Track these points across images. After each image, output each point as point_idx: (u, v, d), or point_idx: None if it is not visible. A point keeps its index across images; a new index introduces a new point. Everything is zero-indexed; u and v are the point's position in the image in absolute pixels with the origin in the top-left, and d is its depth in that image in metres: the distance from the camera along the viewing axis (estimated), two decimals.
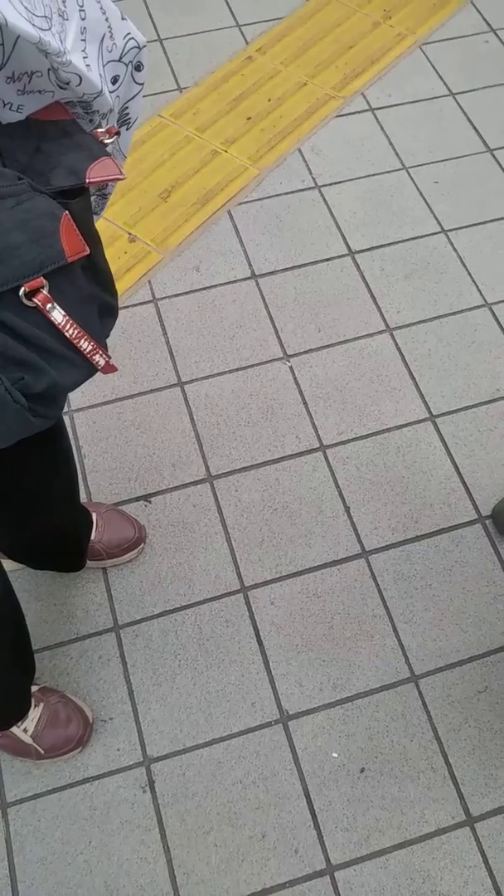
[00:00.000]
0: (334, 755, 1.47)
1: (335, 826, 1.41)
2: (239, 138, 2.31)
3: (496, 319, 2.01)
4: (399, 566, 1.67)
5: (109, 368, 0.84)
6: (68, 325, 0.76)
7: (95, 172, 0.75)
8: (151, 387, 1.88)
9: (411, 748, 1.48)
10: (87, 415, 1.83)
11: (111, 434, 1.80)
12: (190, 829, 1.41)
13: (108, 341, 0.90)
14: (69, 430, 1.80)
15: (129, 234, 2.10)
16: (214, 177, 2.23)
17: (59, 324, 0.75)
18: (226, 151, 2.28)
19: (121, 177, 0.78)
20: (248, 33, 2.59)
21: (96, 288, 0.87)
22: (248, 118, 2.36)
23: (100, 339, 0.84)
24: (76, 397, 1.85)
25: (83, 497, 1.72)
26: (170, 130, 2.32)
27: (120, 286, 2.01)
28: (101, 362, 0.82)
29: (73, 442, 1.78)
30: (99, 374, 0.83)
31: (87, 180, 0.75)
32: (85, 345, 0.78)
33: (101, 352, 0.81)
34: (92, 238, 0.85)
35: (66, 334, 0.76)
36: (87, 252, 0.75)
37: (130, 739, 1.48)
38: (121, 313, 2.02)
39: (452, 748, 1.49)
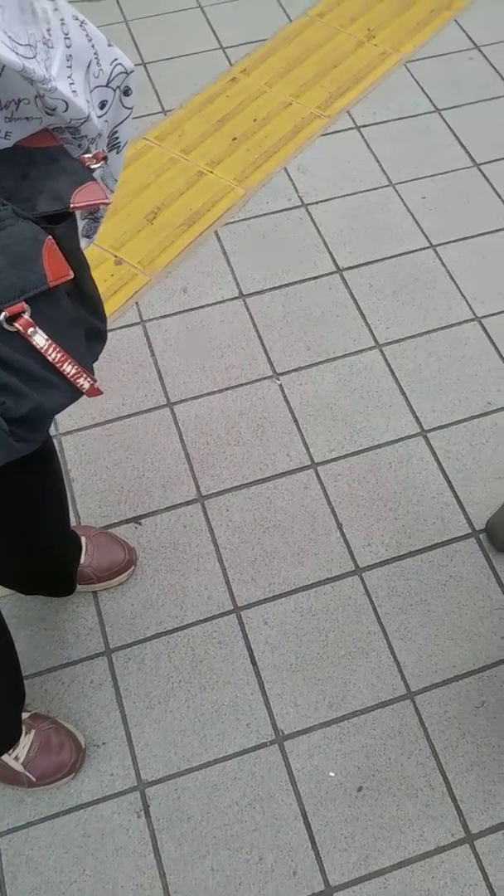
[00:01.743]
0: (331, 774, 1.46)
1: (333, 846, 1.40)
2: (224, 159, 2.33)
3: (486, 333, 2.02)
4: (393, 582, 1.66)
5: (94, 392, 0.84)
6: (51, 349, 0.76)
7: (80, 197, 0.76)
8: (140, 408, 1.88)
9: (409, 765, 1.47)
10: (76, 437, 1.83)
11: (100, 456, 1.80)
12: (186, 854, 1.39)
13: (96, 363, 0.91)
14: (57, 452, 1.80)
15: (116, 256, 2.11)
16: (200, 198, 2.24)
17: (42, 348, 0.75)
18: (211, 172, 2.30)
19: (106, 201, 0.78)
20: (231, 55, 2.61)
21: (83, 312, 0.88)
22: (234, 139, 2.38)
23: (86, 362, 0.84)
24: (64, 420, 1.84)
25: (72, 521, 1.71)
26: (155, 153, 2.34)
27: (107, 308, 2.01)
28: (86, 386, 0.82)
29: (61, 465, 1.77)
30: (87, 396, 0.84)
31: (72, 205, 0.75)
32: (69, 368, 0.79)
33: (85, 375, 0.81)
34: (78, 262, 0.86)
35: (49, 358, 0.76)
36: (71, 276, 0.75)
37: (124, 764, 1.47)
38: (109, 335, 2.03)
39: (450, 765, 1.47)
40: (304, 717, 1.51)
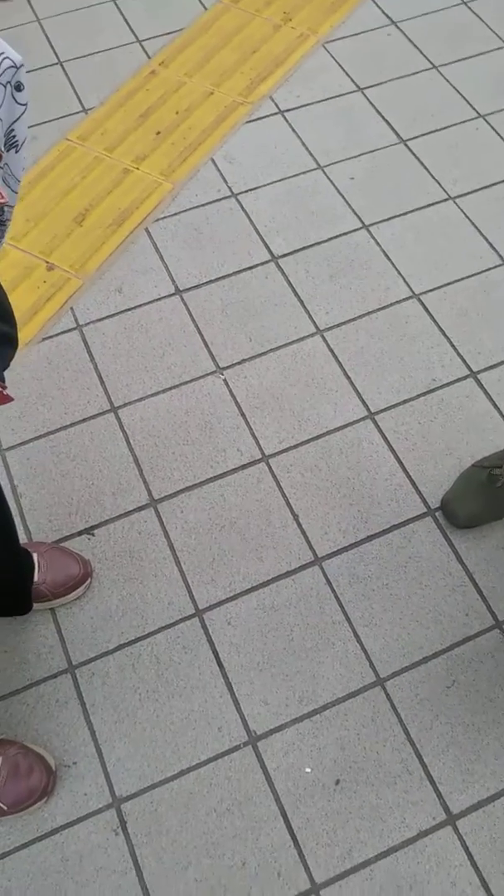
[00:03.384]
0: (307, 770, 1.44)
1: (316, 843, 1.38)
2: (150, 154, 2.28)
3: (426, 309, 2.01)
4: (353, 569, 1.64)
5: (4, 399, 0.81)
6: None
7: None
8: (84, 415, 1.83)
9: (385, 753, 1.46)
10: (19, 452, 1.77)
11: (46, 469, 1.75)
12: (167, 867, 1.36)
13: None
14: (1, 468, 1.75)
15: (47, 262, 2.05)
16: (128, 196, 2.19)
17: None
18: (137, 169, 2.25)
19: (4, 201, 0.75)
20: (149, 48, 2.56)
21: None
22: (158, 133, 2.33)
23: None
24: (6, 435, 1.79)
25: (22, 538, 1.66)
26: (78, 153, 2.28)
27: (41, 316, 1.96)
28: None
29: (6, 482, 1.73)
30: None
31: None
32: None
33: None
34: None
35: None
36: None
37: (97, 782, 1.43)
38: (45, 343, 1.98)
39: (426, 748, 1.46)
40: (276, 715, 1.49)
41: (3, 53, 0.77)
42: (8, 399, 0.82)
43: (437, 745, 1.46)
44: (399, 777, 1.43)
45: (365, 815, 1.40)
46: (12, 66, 0.79)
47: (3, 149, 0.85)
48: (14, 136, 0.85)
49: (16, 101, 0.82)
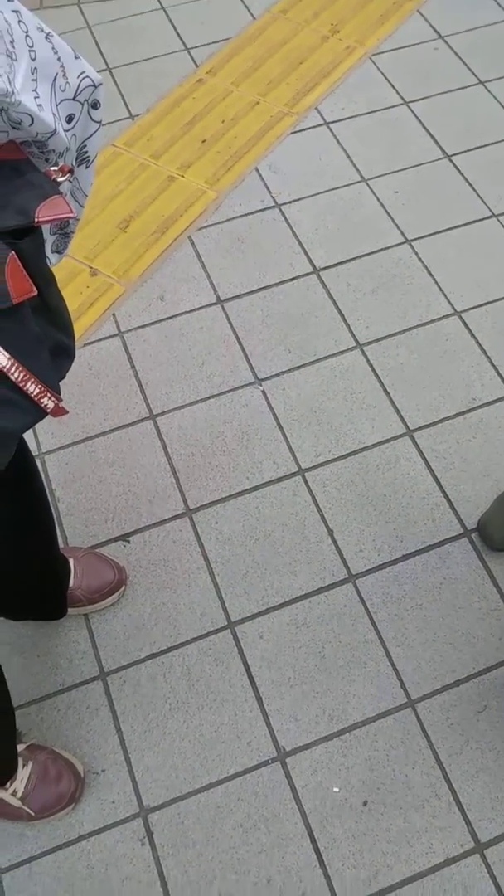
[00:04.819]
0: (335, 790, 1.43)
1: (342, 864, 1.37)
2: (195, 162, 2.29)
3: (466, 327, 2.00)
4: (387, 588, 1.63)
5: (59, 411, 0.83)
6: (13, 368, 0.75)
7: (44, 212, 0.74)
8: (123, 422, 1.84)
9: (413, 776, 1.45)
10: (58, 456, 1.79)
11: (84, 474, 1.76)
12: (192, 881, 1.36)
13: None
14: (40, 472, 1.76)
15: (91, 267, 2.07)
16: (173, 203, 2.20)
17: (4, 367, 0.74)
18: (182, 176, 2.26)
19: (71, 215, 0.77)
20: (196, 56, 2.57)
21: (50, 328, 0.86)
22: (203, 141, 2.34)
23: (51, 380, 0.83)
24: (46, 439, 1.80)
25: (60, 542, 1.67)
26: (124, 159, 2.30)
27: (84, 321, 1.97)
28: (50, 405, 0.81)
29: (45, 485, 1.74)
30: (52, 416, 0.83)
31: (36, 219, 0.74)
32: (32, 388, 0.78)
33: (49, 394, 0.80)
34: (44, 278, 0.84)
35: (11, 378, 0.75)
36: (34, 293, 0.74)
37: (125, 790, 1.44)
38: (87, 349, 2.00)
39: (455, 772, 1.45)
40: (305, 732, 1.48)
41: (84, 72, 0.79)
42: (63, 412, 0.83)
43: (466, 771, 1.45)
44: (427, 801, 1.42)
45: (392, 838, 1.39)
46: (91, 86, 0.80)
47: (74, 163, 0.86)
48: (86, 152, 0.87)
49: (91, 119, 0.84)
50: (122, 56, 2.57)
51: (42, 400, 0.79)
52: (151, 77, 2.51)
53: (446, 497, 1.74)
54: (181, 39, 2.61)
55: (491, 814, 1.41)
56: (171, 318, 2.01)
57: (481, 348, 1.96)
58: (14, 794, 1.35)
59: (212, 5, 2.72)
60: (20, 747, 1.40)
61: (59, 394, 0.85)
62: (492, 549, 1.67)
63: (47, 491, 1.73)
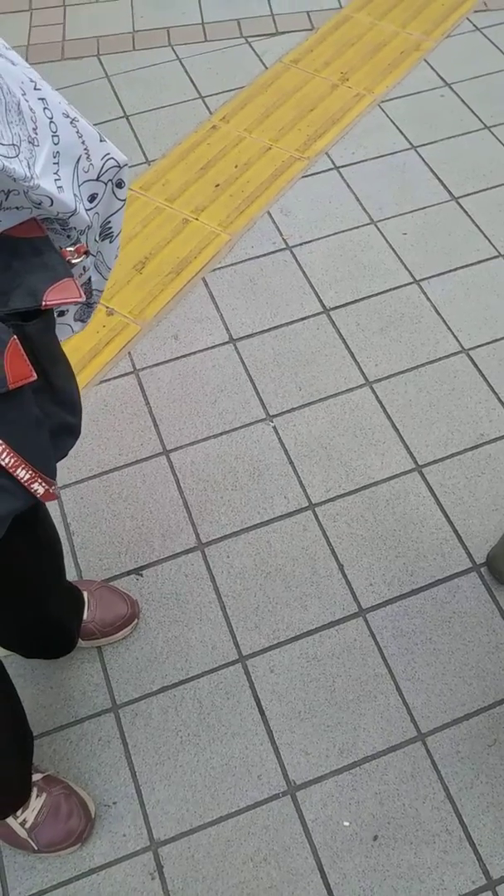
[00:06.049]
0: (346, 824, 1.44)
1: None
2: (208, 205, 2.36)
3: (474, 364, 2.03)
4: (397, 622, 1.65)
5: (49, 496, 0.82)
6: (4, 454, 0.75)
7: (53, 295, 0.76)
8: (137, 457, 1.88)
9: (424, 810, 1.45)
10: (74, 491, 1.82)
11: (99, 508, 1.80)
12: None
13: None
14: (56, 506, 1.79)
15: (107, 307, 2.12)
16: (187, 245, 2.26)
17: None
18: (196, 219, 2.32)
19: (80, 300, 0.78)
20: (211, 104, 2.66)
21: (53, 408, 0.86)
22: (217, 185, 2.41)
23: (47, 463, 0.83)
24: (62, 473, 1.84)
25: (73, 576, 1.70)
26: (140, 203, 2.37)
27: (100, 359, 2.02)
28: (40, 491, 0.81)
29: (60, 519, 1.77)
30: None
31: (44, 303, 0.75)
32: (22, 473, 0.78)
33: (40, 480, 0.80)
34: (51, 358, 0.84)
35: (2, 463, 0.75)
36: (33, 378, 0.74)
37: (136, 823, 1.45)
38: (103, 386, 2.04)
39: (466, 807, 1.45)
40: (316, 765, 1.49)
41: (108, 154, 0.82)
42: (53, 497, 0.83)
43: (477, 805, 1.45)
44: (438, 836, 1.42)
45: (402, 874, 1.39)
46: (115, 166, 0.84)
47: (98, 238, 0.90)
48: (110, 228, 0.90)
49: (115, 197, 0.87)
50: (139, 104, 2.66)
51: (32, 486, 0.79)
52: (167, 124, 2.60)
53: (455, 532, 1.76)
54: (196, 88, 2.70)
55: (502, 850, 1.40)
56: (185, 356, 2.06)
57: (489, 385, 1.99)
58: (23, 823, 1.36)
59: (226, 56, 2.82)
60: (36, 776, 1.41)
61: (55, 474, 0.84)
62: (501, 583, 1.68)
63: (61, 525, 1.76)
